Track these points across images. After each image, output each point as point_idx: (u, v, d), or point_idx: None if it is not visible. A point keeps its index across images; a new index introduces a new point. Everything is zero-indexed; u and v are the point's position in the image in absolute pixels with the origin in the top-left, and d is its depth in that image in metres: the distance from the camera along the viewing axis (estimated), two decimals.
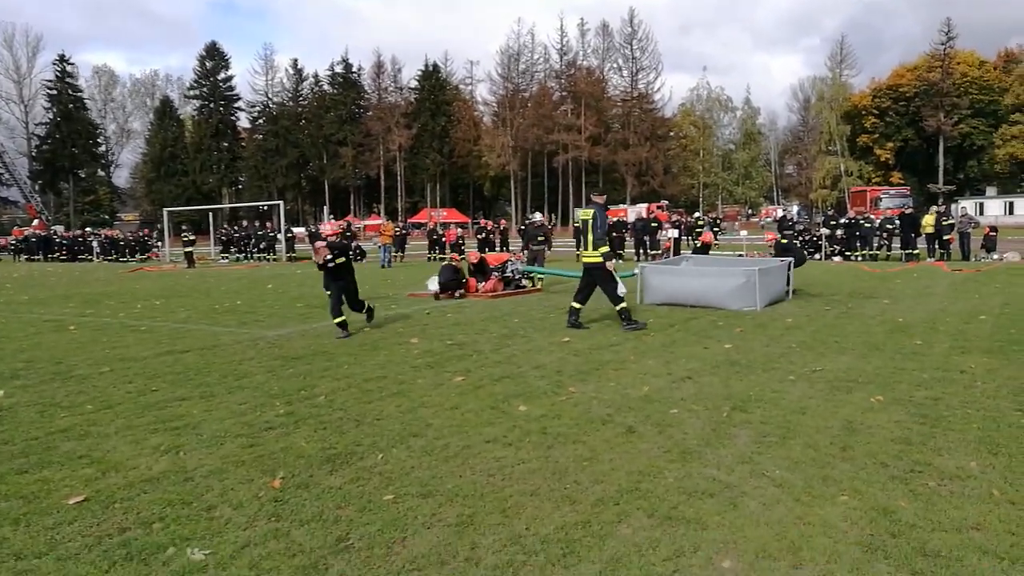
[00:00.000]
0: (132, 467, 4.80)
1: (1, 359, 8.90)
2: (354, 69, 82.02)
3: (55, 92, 78.27)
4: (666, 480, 4.33)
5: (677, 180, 76.31)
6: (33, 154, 78.75)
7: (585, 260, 10.42)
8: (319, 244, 10.60)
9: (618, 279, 10.28)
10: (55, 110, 78.32)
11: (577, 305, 10.42)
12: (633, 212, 41.87)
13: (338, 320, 10.15)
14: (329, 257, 10.30)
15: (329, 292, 10.54)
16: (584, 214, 10.39)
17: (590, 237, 10.17)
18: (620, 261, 24.68)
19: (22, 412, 6.30)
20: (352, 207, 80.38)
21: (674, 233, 24.05)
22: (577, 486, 4.28)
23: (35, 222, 57.75)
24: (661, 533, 3.63)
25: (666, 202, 59.85)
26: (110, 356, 8.92)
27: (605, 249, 10.22)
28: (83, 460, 4.97)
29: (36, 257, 41.05)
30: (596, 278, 10.29)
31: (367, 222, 60.73)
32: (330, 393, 6.70)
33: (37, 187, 76.23)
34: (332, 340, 9.73)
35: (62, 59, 78.35)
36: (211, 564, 3.42)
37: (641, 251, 26.56)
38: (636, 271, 14.38)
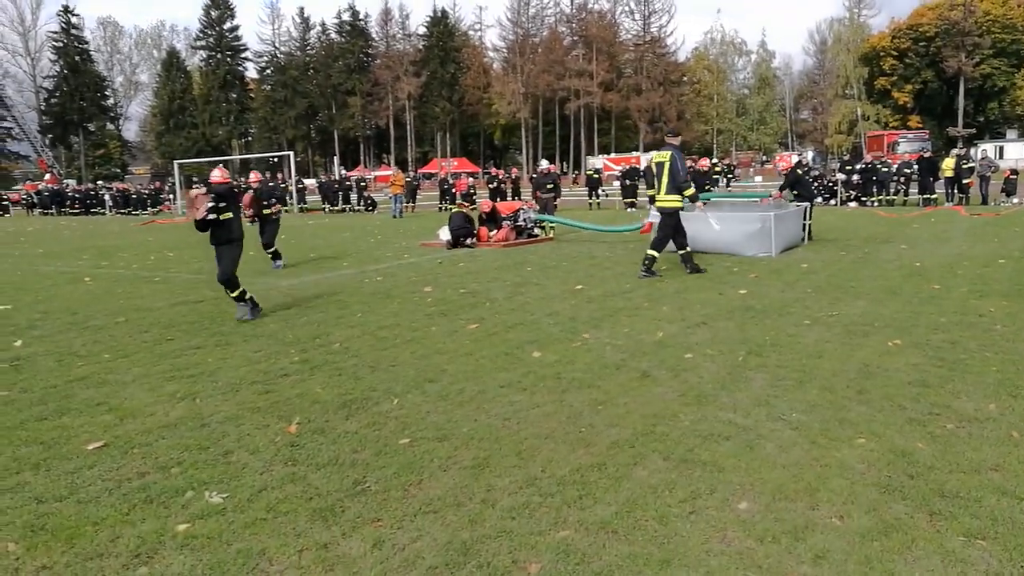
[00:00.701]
0: (149, 414, 4.84)
1: (18, 310, 8.96)
2: (361, 17, 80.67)
3: (61, 44, 77.43)
4: (682, 423, 4.32)
5: (691, 126, 75.07)
6: (42, 108, 78.29)
7: (660, 204, 10.08)
8: (195, 192, 7.92)
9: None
10: (62, 63, 77.61)
11: (683, 251, 10.17)
12: (646, 159, 41.36)
13: (235, 293, 7.89)
14: (210, 205, 7.68)
15: (218, 259, 7.97)
16: (660, 156, 9.98)
17: (665, 180, 9.81)
18: (633, 210, 24.46)
19: (40, 361, 6.36)
20: (362, 158, 79.88)
21: None
22: (592, 429, 4.27)
23: (47, 176, 57.75)
24: (677, 475, 3.62)
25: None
26: (125, 307, 8.96)
27: (691, 191, 9.91)
28: (101, 407, 5.02)
29: (49, 211, 41.17)
30: (663, 221, 10.02)
31: (378, 172, 60.38)
32: (345, 341, 6.71)
33: (47, 141, 76.07)
34: (345, 289, 9.73)
35: (66, 10, 77.29)
36: (229, 507, 3.45)
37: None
38: (646, 221, 14.24)
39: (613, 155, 62.92)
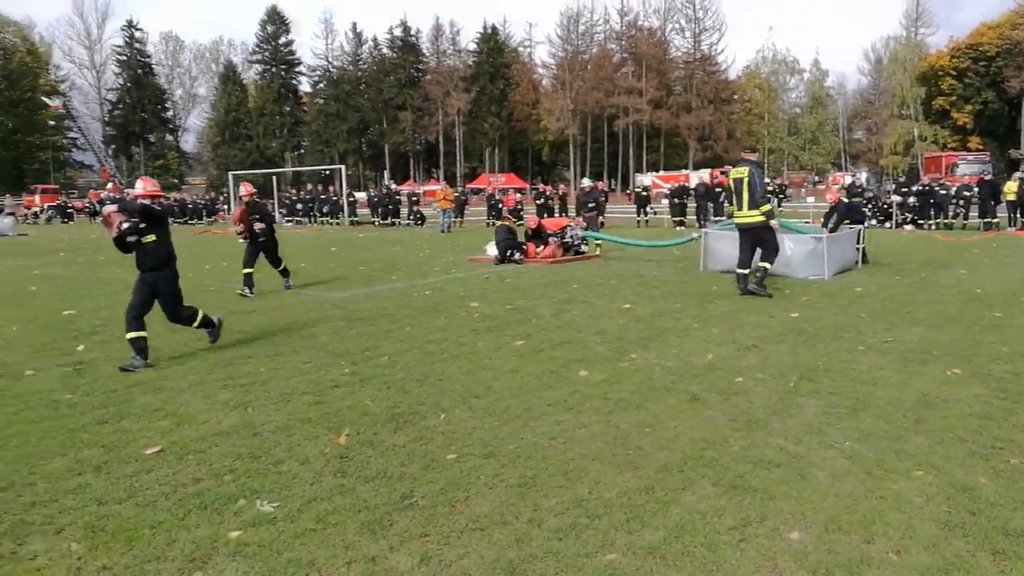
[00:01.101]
0: (204, 421, 4.96)
1: (81, 316, 9.27)
2: (412, 32, 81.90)
3: (125, 58, 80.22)
4: (732, 449, 4.26)
5: (741, 145, 74.21)
6: (106, 119, 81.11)
7: (740, 221, 9.95)
8: (107, 210, 6.70)
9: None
10: (125, 76, 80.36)
11: (744, 271, 9.95)
12: (696, 177, 40.99)
13: (134, 335, 6.52)
14: (127, 226, 6.51)
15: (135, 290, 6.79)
16: (738, 172, 9.91)
17: (745, 196, 9.72)
18: (682, 228, 24.27)
19: (101, 366, 6.57)
20: (412, 172, 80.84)
21: None
22: (640, 452, 4.24)
23: (109, 185, 59.68)
24: (727, 502, 3.57)
25: (730, 167, 58.39)
26: None
27: (768, 207, 9.79)
28: (158, 413, 5.16)
29: None
30: (757, 237, 9.89)
31: (426, 187, 61.04)
32: (393, 354, 6.78)
33: (110, 151, 78.73)
34: (394, 303, 9.83)
35: (130, 25, 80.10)
36: (279, 517, 3.51)
37: (703, 217, 26.02)
38: (695, 235, 14.12)
39: (662, 172, 62.58)
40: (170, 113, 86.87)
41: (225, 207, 41.31)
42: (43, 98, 71.29)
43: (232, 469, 4.10)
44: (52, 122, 75.28)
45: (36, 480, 4.00)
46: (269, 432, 4.69)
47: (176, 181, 79.84)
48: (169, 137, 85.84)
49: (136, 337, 6.49)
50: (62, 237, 29.24)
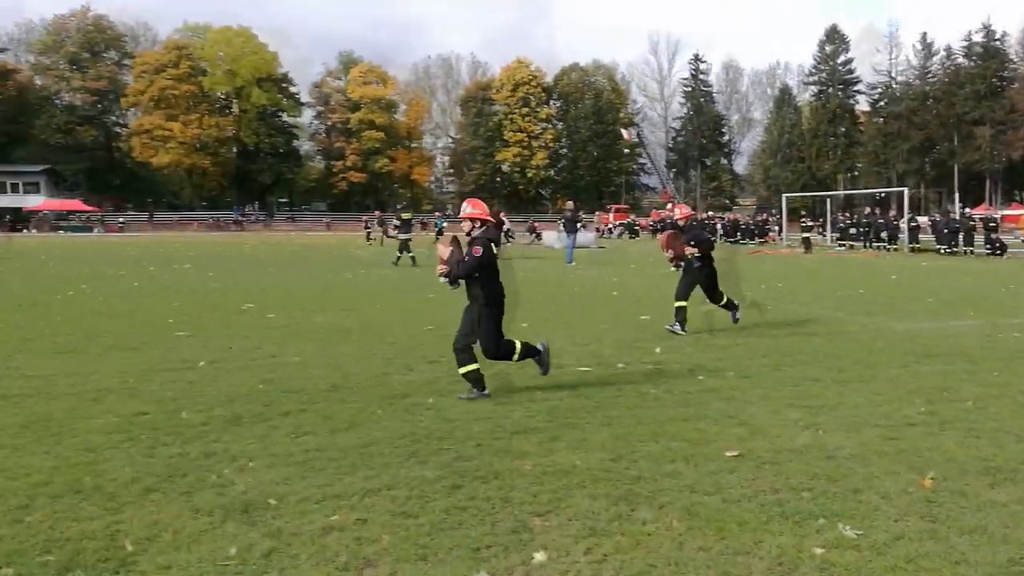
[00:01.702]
0: (776, 435, 5.14)
1: (655, 321, 10.36)
2: (997, 37, 71.03)
3: (689, 89, 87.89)
4: None
5: None
6: (669, 145, 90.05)
7: None
8: (444, 249, 6.44)
9: None
10: (688, 105, 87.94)
11: None
12: None
13: (467, 369, 6.27)
14: (443, 280, 6.39)
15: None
16: None
17: None
18: None
19: (674, 368, 7.33)
20: (987, 194, 70.39)
21: None
22: None
23: (668, 206, 66.06)
24: None
25: None
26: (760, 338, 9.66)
27: None
28: (731, 420, 5.53)
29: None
30: None
31: (1006, 211, 52.39)
32: (978, 399, 6.03)
33: (671, 175, 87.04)
34: (973, 341, 8.73)
35: (696, 58, 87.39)
36: (863, 545, 3.44)
37: None
38: None
39: None
40: (726, 137, 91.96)
41: (776, 228, 41.98)
42: (620, 129, 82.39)
43: (809, 487, 4.16)
44: (627, 150, 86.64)
45: (638, 459, 4.67)
46: (843, 458, 4.63)
47: (727, 202, 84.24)
48: (723, 160, 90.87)
49: (468, 372, 6.28)
50: (631, 251, 33.39)
